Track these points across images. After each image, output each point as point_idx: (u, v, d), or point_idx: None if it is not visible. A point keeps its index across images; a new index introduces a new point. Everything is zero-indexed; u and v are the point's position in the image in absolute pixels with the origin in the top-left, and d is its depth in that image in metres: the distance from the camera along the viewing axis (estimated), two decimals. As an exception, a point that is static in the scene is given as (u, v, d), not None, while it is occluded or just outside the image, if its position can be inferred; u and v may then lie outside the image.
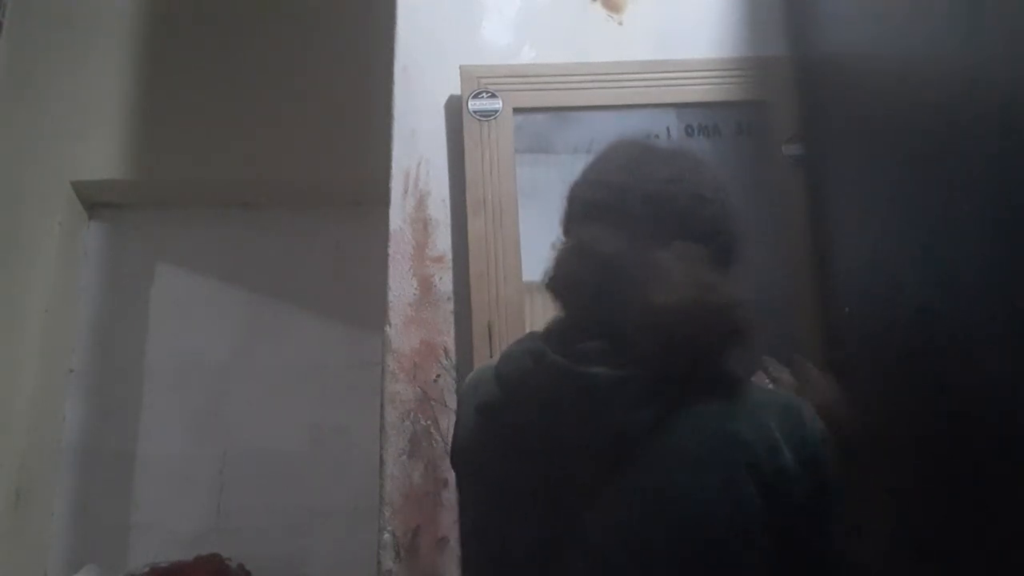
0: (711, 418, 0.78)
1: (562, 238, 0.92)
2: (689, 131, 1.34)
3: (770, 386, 0.96)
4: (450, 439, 1.03)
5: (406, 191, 1.33)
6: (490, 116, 1.32)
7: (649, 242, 0.83)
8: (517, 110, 1.33)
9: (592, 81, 1.36)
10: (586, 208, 0.89)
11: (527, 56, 1.41)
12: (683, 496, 0.77)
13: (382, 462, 1.21)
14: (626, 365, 0.79)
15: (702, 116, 1.35)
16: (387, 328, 1.27)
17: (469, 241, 1.27)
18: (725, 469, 0.76)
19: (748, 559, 0.75)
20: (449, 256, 1.30)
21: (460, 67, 1.36)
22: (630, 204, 0.85)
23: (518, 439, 0.85)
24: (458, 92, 1.35)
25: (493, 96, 1.33)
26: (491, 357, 1.16)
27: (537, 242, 1.06)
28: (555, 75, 1.37)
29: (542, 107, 1.35)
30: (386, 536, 1.17)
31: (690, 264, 0.81)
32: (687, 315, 0.78)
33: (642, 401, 0.78)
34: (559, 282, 0.86)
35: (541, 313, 1.05)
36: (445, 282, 1.29)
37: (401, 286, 1.29)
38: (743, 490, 0.75)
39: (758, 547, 0.75)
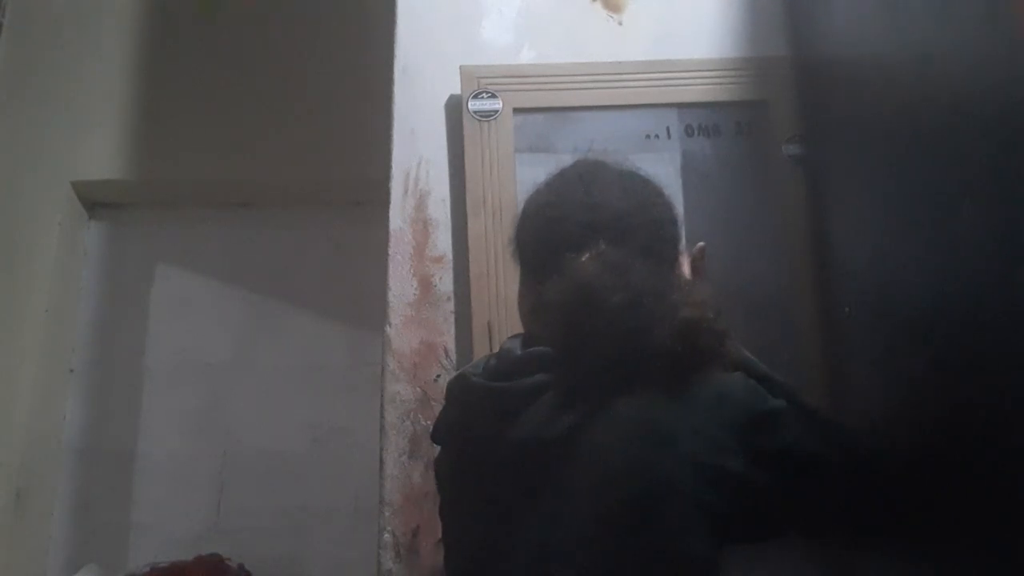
0: (640, 413, 0.80)
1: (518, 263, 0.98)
2: (689, 131, 1.34)
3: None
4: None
5: (406, 191, 1.33)
6: (490, 116, 1.32)
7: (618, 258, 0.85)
8: (517, 110, 1.33)
9: (592, 81, 1.36)
10: (554, 245, 0.90)
11: (527, 56, 1.41)
12: (607, 491, 0.78)
13: (382, 462, 1.21)
14: (555, 370, 0.83)
15: (702, 116, 1.34)
16: (387, 328, 1.27)
17: (469, 241, 1.27)
18: (652, 459, 0.77)
19: (685, 532, 0.76)
20: (449, 256, 1.30)
21: (460, 67, 1.36)
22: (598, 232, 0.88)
23: (456, 456, 0.93)
24: (458, 92, 1.35)
25: (493, 96, 1.33)
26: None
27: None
28: (555, 75, 1.37)
29: (542, 107, 1.35)
30: (386, 536, 1.17)
31: (627, 268, 0.84)
32: (624, 317, 0.80)
33: (562, 405, 0.81)
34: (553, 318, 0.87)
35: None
36: (445, 282, 1.29)
37: (401, 286, 1.29)
38: (674, 478, 0.76)
39: (695, 521, 0.76)
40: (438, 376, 1.24)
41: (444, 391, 1.13)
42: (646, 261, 0.86)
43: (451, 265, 1.30)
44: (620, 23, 1.43)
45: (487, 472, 0.85)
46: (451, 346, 1.26)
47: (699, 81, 1.35)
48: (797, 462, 0.81)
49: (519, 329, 0.98)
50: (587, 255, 0.86)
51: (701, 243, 0.98)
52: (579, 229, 0.89)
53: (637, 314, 0.81)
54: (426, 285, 1.29)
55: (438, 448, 1.02)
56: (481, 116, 1.32)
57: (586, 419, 0.80)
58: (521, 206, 1.01)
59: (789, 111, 1.33)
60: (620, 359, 0.80)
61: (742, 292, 1.22)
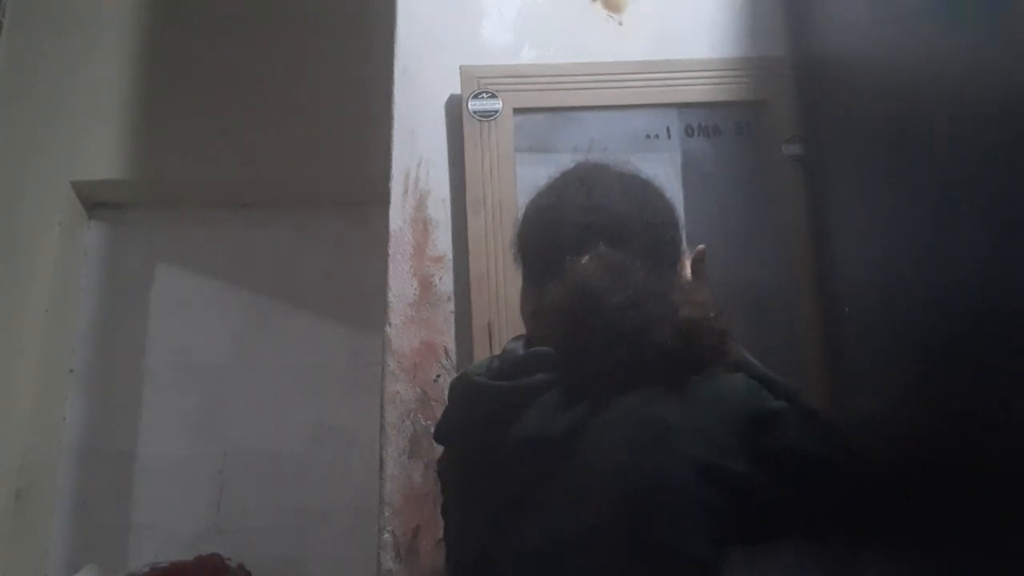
0: (641, 412, 0.80)
1: (519, 266, 0.99)
2: (689, 131, 1.34)
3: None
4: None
5: (406, 191, 1.33)
6: (490, 116, 1.32)
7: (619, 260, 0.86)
8: (517, 110, 1.33)
9: (592, 81, 1.36)
10: (552, 245, 0.91)
11: (527, 56, 1.41)
12: (608, 490, 0.78)
13: (382, 462, 1.21)
14: (556, 370, 0.83)
15: (702, 116, 1.34)
16: (387, 328, 1.27)
17: (469, 241, 1.27)
18: (653, 458, 0.77)
19: (687, 532, 0.76)
20: (449, 256, 1.30)
21: (460, 67, 1.36)
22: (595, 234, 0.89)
23: (457, 454, 0.94)
24: (458, 92, 1.35)
25: (493, 96, 1.33)
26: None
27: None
28: (555, 75, 1.37)
29: (542, 107, 1.35)
30: (386, 536, 1.17)
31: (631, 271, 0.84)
32: (624, 317, 0.81)
33: (563, 404, 0.81)
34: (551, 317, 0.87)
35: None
36: (445, 282, 1.29)
37: (401, 286, 1.29)
38: (675, 477, 0.76)
39: (698, 521, 0.76)
40: (438, 376, 1.24)
41: (444, 391, 1.13)
42: (646, 262, 0.86)
43: (451, 265, 1.30)
44: (620, 23, 1.43)
45: (489, 471, 0.86)
46: (451, 346, 1.26)
47: (699, 81, 1.35)
48: (798, 463, 0.81)
49: (519, 329, 0.98)
50: (587, 257, 0.86)
51: (701, 246, 0.98)
52: (579, 231, 0.89)
53: (637, 314, 0.81)
54: (426, 285, 1.29)
55: (439, 448, 1.02)
56: (481, 116, 1.32)
57: (588, 418, 0.80)
58: (522, 209, 1.02)
59: (789, 111, 1.33)
60: (621, 359, 0.80)
61: (742, 292, 1.22)
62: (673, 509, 0.76)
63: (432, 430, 1.19)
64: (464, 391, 0.93)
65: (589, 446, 0.80)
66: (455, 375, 1.22)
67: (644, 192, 0.96)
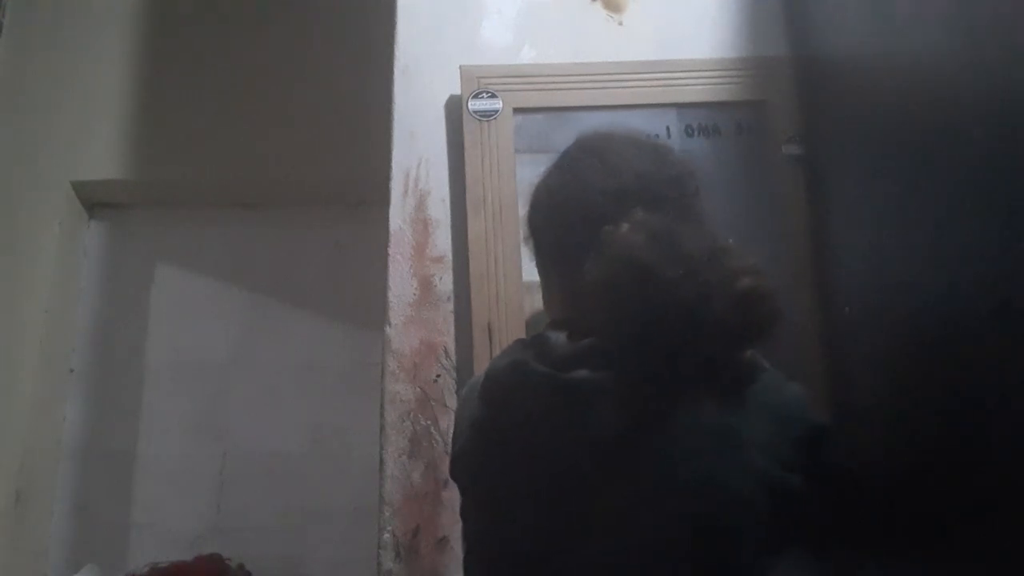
0: (704, 413, 0.76)
1: (532, 240, 0.93)
2: (689, 131, 1.34)
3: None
4: (450, 439, 1.04)
5: (406, 191, 1.33)
6: (490, 116, 1.32)
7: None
8: (517, 110, 1.33)
9: (592, 81, 1.36)
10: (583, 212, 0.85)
11: (527, 56, 1.41)
12: (671, 493, 0.75)
13: (382, 462, 1.21)
14: (612, 365, 0.76)
15: (702, 116, 1.34)
16: (387, 328, 1.27)
17: (469, 241, 1.27)
18: (715, 462, 0.74)
19: (744, 546, 0.74)
20: (449, 256, 1.30)
21: (460, 67, 1.36)
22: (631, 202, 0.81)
23: (509, 452, 0.82)
24: (458, 92, 1.35)
25: (493, 96, 1.33)
26: (491, 357, 1.16)
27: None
28: (555, 75, 1.37)
29: (542, 107, 1.35)
30: (386, 536, 1.17)
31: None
32: (686, 290, 0.74)
33: (626, 402, 0.75)
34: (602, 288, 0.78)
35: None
36: (445, 282, 1.29)
37: (401, 286, 1.29)
38: (734, 481, 0.74)
39: (755, 534, 0.74)
40: (438, 376, 1.24)
41: (444, 391, 1.12)
42: (685, 223, 0.79)
43: (451, 265, 1.30)
44: (620, 23, 1.43)
45: (543, 469, 0.79)
46: (451, 346, 1.26)
47: (699, 81, 1.35)
48: (841, 478, 0.81)
49: (519, 329, 0.98)
50: (626, 226, 0.78)
51: None
52: (606, 199, 0.82)
53: (694, 285, 0.73)
54: (426, 285, 1.29)
55: (439, 448, 1.01)
56: (481, 116, 1.32)
57: (651, 420, 0.75)
58: (531, 194, 0.96)
59: (789, 111, 1.33)
60: (682, 343, 0.74)
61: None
62: (739, 522, 0.73)
63: (431, 428, 1.19)
64: (517, 382, 0.82)
65: (652, 450, 0.75)
66: (455, 375, 1.23)
67: (655, 148, 0.92)
